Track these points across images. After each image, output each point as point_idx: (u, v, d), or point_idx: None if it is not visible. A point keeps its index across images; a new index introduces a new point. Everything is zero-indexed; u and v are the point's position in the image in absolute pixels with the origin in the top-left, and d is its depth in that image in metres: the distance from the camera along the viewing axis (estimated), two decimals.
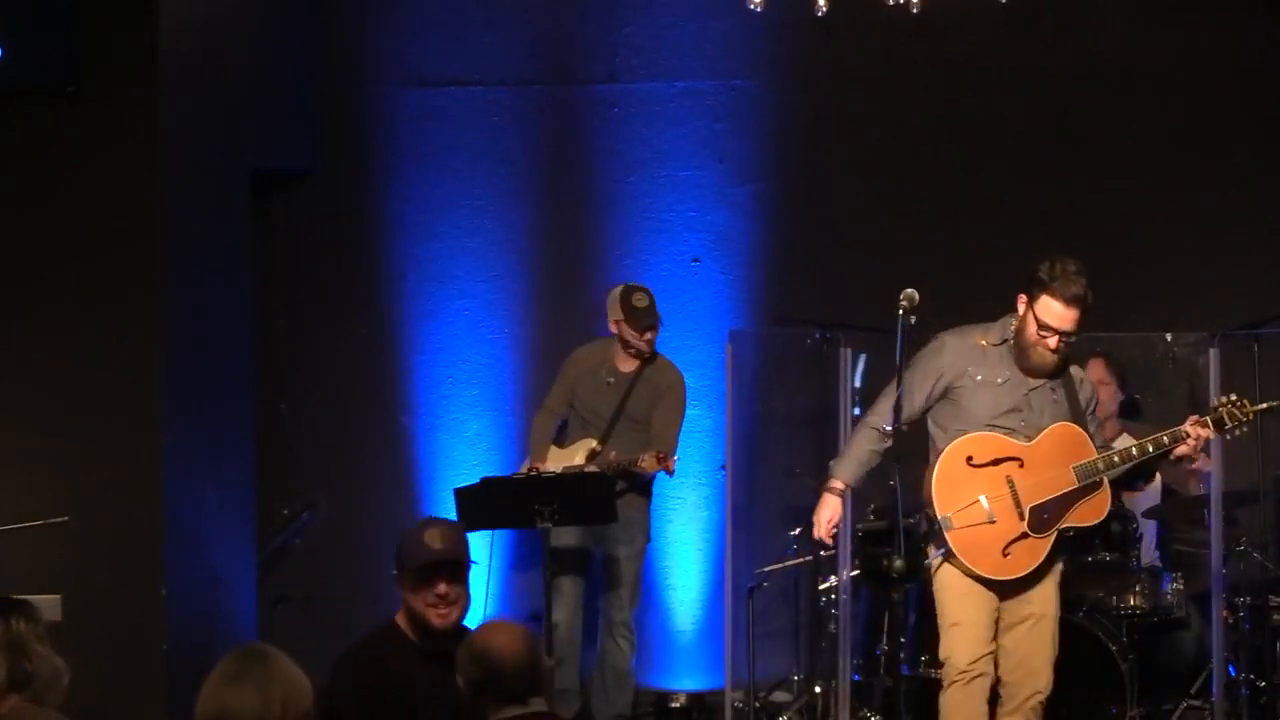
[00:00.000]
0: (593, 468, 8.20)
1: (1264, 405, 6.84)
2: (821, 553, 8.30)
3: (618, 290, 8.47)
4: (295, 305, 9.41)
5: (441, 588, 5.21)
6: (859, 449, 6.81)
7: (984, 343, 6.76)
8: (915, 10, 6.36)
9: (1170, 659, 8.09)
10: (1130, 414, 8.57)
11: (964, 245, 8.93)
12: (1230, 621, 7.98)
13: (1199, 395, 8.41)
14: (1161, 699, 8.03)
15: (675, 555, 9.20)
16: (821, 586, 8.36)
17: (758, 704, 8.49)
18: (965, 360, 6.72)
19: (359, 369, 9.40)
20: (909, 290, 6.59)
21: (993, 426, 6.65)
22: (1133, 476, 6.88)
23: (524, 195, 9.36)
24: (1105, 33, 9.09)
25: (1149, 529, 8.22)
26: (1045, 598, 6.71)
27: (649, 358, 8.43)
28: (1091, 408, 6.84)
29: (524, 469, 8.31)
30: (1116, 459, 6.67)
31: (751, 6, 6.46)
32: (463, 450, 9.19)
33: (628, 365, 8.46)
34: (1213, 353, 7.77)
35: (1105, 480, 6.66)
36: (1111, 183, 9.08)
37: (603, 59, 9.30)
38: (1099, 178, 9.09)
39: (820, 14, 6.32)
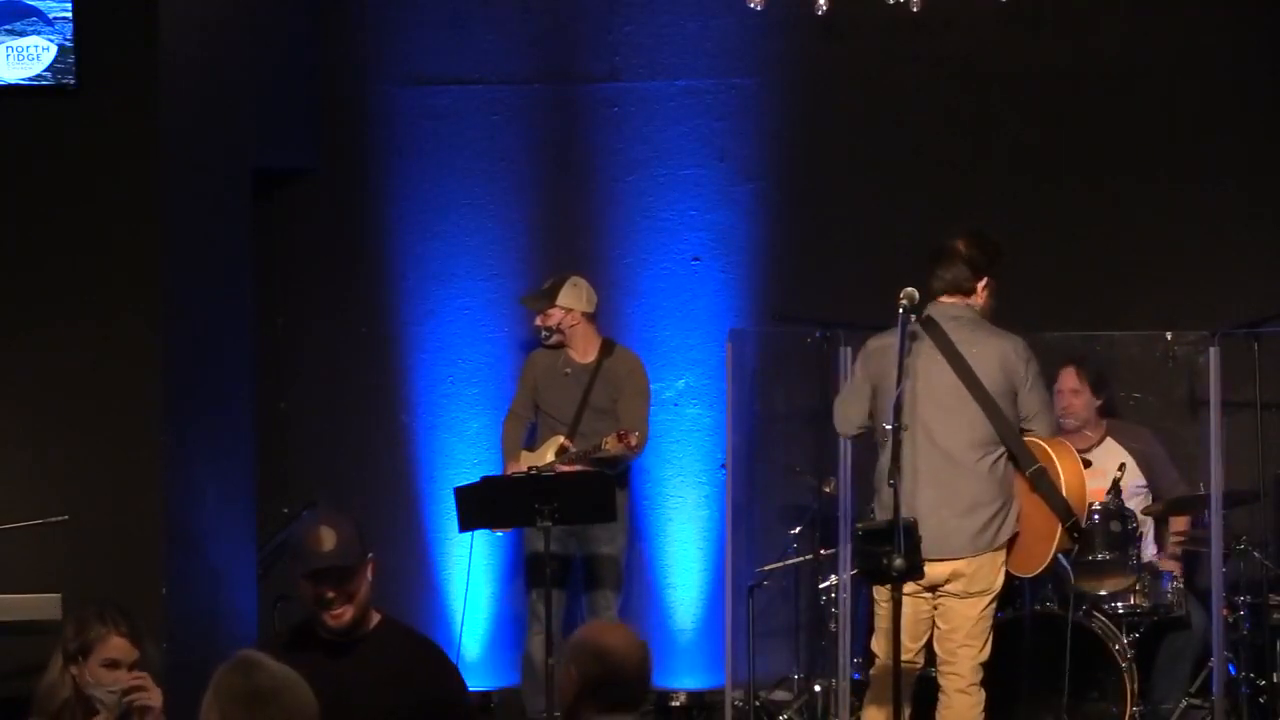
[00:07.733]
0: (566, 466, 8.21)
1: None
2: (821, 551, 8.31)
3: None
4: (295, 304, 9.41)
5: (329, 594, 4.98)
6: None
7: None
8: (915, 10, 6.35)
9: (1170, 658, 8.08)
10: (1114, 413, 8.55)
11: None
12: (1230, 620, 7.98)
13: (1199, 395, 8.41)
14: (1161, 698, 8.04)
15: (675, 554, 9.19)
16: (821, 586, 8.36)
17: (758, 703, 8.49)
18: None
19: (359, 368, 9.39)
20: (909, 289, 6.60)
21: None
22: None
23: (524, 194, 9.35)
24: (1105, 33, 9.09)
25: (1149, 527, 8.21)
26: None
27: (609, 349, 8.56)
28: None
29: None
30: None
31: (751, 6, 6.46)
32: (463, 449, 9.18)
33: (585, 357, 8.55)
34: (1213, 352, 7.76)
35: None
36: (1111, 182, 9.07)
37: (603, 57, 9.30)
38: (1099, 177, 9.08)
39: (820, 13, 6.32)
